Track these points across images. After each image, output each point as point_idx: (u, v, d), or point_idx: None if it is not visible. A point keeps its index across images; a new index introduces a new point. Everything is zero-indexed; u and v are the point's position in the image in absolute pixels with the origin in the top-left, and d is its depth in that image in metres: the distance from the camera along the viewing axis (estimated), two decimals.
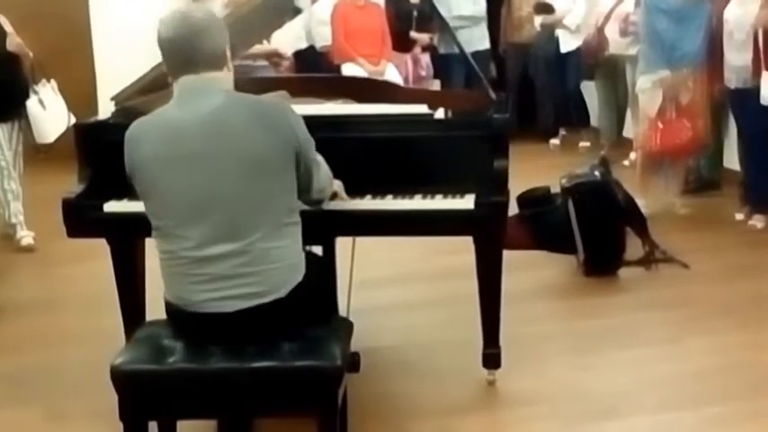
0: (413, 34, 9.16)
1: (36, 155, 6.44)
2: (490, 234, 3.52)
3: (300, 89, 4.11)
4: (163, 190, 2.79)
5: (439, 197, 3.44)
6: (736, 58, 6.07)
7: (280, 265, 2.82)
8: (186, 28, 2.78)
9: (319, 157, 3.00)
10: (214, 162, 2.73)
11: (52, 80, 6.31)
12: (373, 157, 3.45)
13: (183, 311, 2.85)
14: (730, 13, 6.11)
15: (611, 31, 7.85)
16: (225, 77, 2.86)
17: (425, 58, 9.21)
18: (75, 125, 3.87)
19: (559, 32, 8.98)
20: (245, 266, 2.77)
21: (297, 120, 2.84)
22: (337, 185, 3.25)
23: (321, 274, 3.19)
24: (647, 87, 6.38)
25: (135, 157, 2.82)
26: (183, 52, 2.78)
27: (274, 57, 5.82)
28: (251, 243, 2.76)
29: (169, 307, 2.92)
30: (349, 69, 8.41)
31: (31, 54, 6.13)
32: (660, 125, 6.28)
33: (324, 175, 3.05)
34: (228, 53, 2.88)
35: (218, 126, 2.74)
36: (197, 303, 2.81)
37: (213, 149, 2.73)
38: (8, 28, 6.05)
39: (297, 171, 2.85)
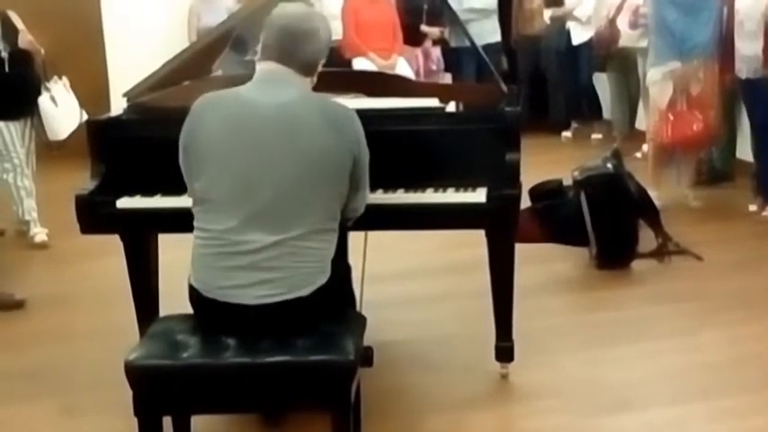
0: (424, 28, 9.14)
1: (48, 152, 6.45)
2: (502, 227, 3.52)
3: None
4: (218, 163, 2.83)
5: (451, 190, 3.44)
6: (747, 47, 6.05)
7: (310, 266, 2.84)
8: (303, 24, 2.92)
9: (367, 183, 3.07)
10: (276, 150, 2.80)
11: (64, 77, 6.33)
12: (385, 151, 3.44)
13: (205, 299, 2.86)
14: (741, 3, 6.09)
15: (623, 23, 7.83)
16: (306, 84, 2.97)
17: (436, 52, 9.19)
18: (87, 122, 3.87)
19: (570, 24, 8.97)
20: (277, 260, 2.80)
21: (361, 130, 2.94)
22: None
23: (342, 275, 3.20)
24: (657, 79, 6.36)
25: (199, 127, 2.86)
26: (288, 43, 2.90)
27: None
28: (289, 239, 2.80)
29: (191, 292, 2.92)
30: (360, 63, 8.40)
31: (42, 51, 6.15)
32: (671, 117, 6.26)
33: (362, 199, 3.07)
34: (320, 68, 3.00)
35: (289, 118, 2.83)
36: (219, 290, 2.82)
37: (278, 138, 2.80)
38: (20, 25, 6.07)
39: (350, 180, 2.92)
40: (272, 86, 2.89)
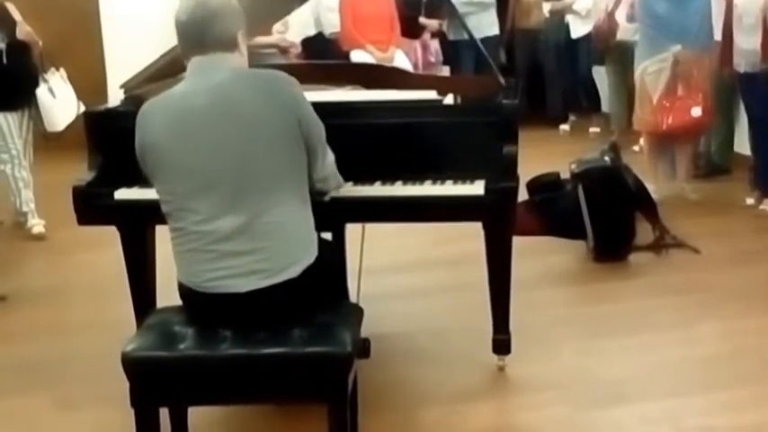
0: (422, 20, 9.15)
1: (46, 143, 6.46)
2: (500, 220, 3.52)
3: (309, 76, 4.09)
4: (172, 164, 2.82)
5: (449, 183, 3.44)
6: (746, 41, 6.04)
7: (288, 241, 2.83)
8: (199, 12, 2.87)
9: (328, 149, 3.02)
10: (219, 133, 2.79)
11: (61, 68, 6.34)
12: (383, 143, 3.45)
13: (195, 292, 2.86)
14: None
15: (622, 16, 7.82)
16: (236, 60, 2.92)
17: (435, 45, 9.21)
18: (84, 113, 3.87)
19: (569, 18, 8.98)
20: (253, 241, 2.79)
21: (300, 92, 2.90)
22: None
23: (332, 259, 3.20)
24: (653, 70, 6.33)
25: (146, 134, 2.86)
26: (195, 35, 2.87)
27: (282, 44, 5.81)
28: (257, 216, 2.78)
29: (182, 288, 2.93)
30: (358, 56, 8.39)
31: (40, 42, 6.15)
32: (667, 104, 6.25)
33: (328, 165, 3.03)
34: (241, 38, 2.94)
35: (224, 98, 2.81)
36: (208, 282, 2.82)
37: (217, 120, 2.79)
38: (17, 16, 6.07)
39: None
40: (203, 74, 2.87)
